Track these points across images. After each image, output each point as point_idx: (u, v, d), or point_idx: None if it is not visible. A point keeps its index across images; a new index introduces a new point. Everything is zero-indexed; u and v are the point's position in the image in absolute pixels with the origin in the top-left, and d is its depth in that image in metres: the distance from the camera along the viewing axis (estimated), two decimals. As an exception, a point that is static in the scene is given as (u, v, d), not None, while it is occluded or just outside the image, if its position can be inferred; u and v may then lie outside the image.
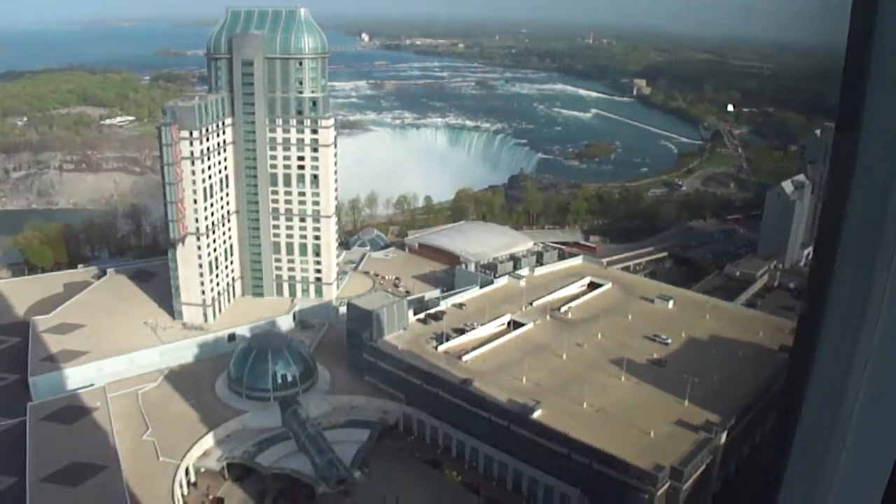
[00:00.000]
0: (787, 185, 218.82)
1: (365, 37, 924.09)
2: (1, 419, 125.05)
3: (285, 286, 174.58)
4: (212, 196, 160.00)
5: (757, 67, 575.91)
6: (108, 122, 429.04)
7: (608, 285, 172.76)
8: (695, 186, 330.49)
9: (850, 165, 6.94)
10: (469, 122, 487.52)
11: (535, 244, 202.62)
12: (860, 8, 6.69)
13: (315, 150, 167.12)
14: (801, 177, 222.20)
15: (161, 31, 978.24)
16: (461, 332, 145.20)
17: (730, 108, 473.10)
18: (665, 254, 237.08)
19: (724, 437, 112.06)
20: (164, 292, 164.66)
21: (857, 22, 6.73)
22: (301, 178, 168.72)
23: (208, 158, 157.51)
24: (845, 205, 7.07)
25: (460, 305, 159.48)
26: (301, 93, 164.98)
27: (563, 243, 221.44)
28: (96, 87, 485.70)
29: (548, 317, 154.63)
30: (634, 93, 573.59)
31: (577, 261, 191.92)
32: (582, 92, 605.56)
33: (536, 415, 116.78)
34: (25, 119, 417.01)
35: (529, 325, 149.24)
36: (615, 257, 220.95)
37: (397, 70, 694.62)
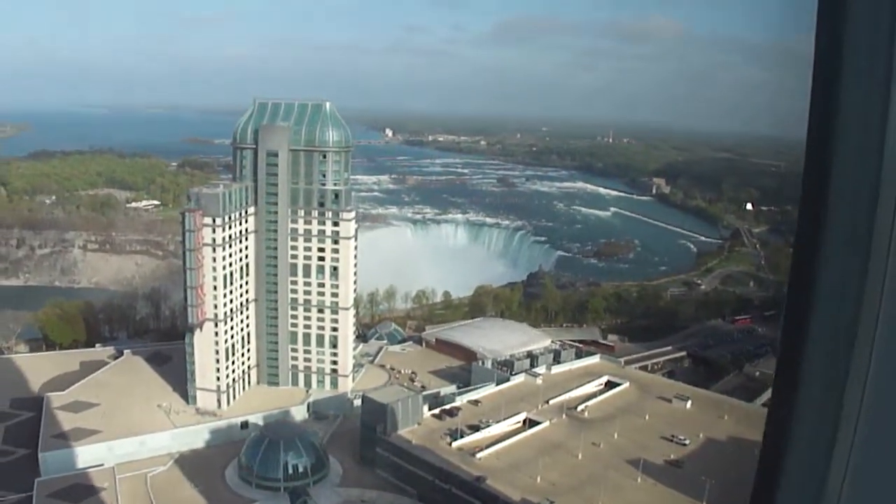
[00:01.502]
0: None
1: (389, 132, 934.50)
2: (8, 494, 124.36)
3: (301, 376, 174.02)
4: (231, 283, 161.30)
5: (774, 165, 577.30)
6: (133, 205, 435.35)
7: (625, 384, 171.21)
8: (714, 285, 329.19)
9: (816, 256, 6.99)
10: (489, 219, 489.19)
11: (552, 342, 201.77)
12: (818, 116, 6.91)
13: (336, 242, 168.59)
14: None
15: (189, 119, 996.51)
16: (476, 428, 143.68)
17: (748, 206, 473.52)
18: (683, 353, 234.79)
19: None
20: (179, 376, 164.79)
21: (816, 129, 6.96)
22: (321, 269, 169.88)
23: (230, 246, 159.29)
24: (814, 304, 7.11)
25: (476, 402, 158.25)
26: (324, 185, 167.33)
27: (580, 341, 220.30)
28: (124, 171, 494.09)
29: (564, 415, 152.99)
30: (654, 191, 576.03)
31: (594, 359, 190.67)
32: (601, 190, 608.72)
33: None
34: (54, 198, 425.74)
35: (545, 424, 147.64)
36: (633, 356, 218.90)
37: (420, 165, 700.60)
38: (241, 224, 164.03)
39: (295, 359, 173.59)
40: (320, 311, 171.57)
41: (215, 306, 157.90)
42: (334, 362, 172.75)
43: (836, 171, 6.83)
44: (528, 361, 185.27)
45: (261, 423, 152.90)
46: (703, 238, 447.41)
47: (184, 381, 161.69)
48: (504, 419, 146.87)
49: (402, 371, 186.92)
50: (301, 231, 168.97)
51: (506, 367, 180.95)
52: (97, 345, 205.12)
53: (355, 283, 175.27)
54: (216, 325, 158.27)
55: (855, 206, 6.73)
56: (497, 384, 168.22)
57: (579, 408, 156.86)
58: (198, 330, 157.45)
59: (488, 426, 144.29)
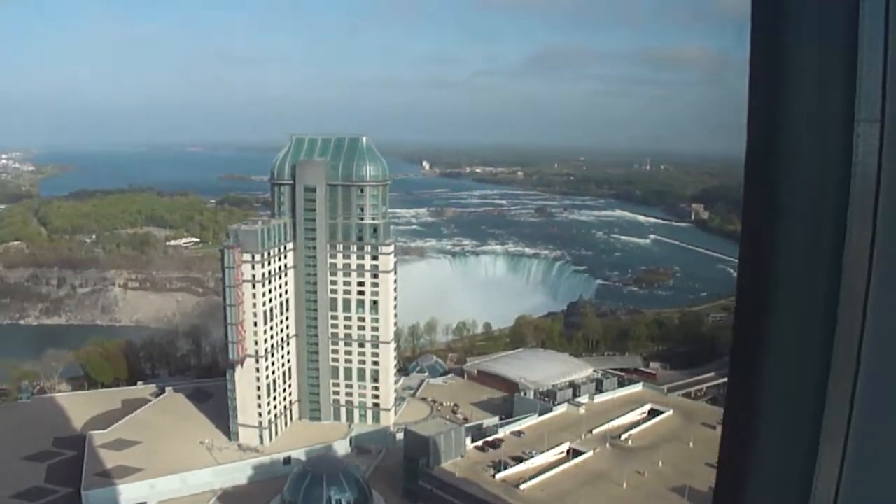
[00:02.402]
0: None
1: (426, 164, 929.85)
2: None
3: (342, 411, 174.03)
4: (272, 319, 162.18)
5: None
6: (173, 242, 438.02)
7: (669, 412, 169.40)
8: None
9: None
10: (528, 250, 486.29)
11: (594, 371, 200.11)
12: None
13: (375, 276, 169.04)
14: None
15: (227, 157, 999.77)
16: (519, 460, 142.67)
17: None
18: (726, 379, 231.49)
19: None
20: (220, 413, 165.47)
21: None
22: (361, 303, 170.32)
23: (269, 282, 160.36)
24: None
25: (519, 433, 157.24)
26: (362, 219, 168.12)
27: (622, 370, 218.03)
28: (163, 209, 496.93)
29: (608, 445, 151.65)
30: (692, 217, 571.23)
31: (637, 387, 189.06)
32: (640, 218, 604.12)
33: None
34: (94, 236, 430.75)
35: (589, 454, 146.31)
36: (675, 383, 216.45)
37: (457, 197, 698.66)
38: (280, 260, 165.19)
39: (336, 393, 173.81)
40: (361, 345, 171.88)
41: (256, 342, 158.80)
42: (376, 396, 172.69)
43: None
44: (570, 391, 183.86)
45: (303, 458, 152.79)
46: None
47: (225, 417, 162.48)
48: (547, 450, 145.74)
49: (444, 403, 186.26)
50: (340, 266, 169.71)
51: (548, 398, 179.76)
52: (139, 382, 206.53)
53: (395, 316, 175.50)
54: (257, 361, 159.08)
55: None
56: (539, 415, 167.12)
57: (623, 436, 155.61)
58: (239, 366, 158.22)
59: (532, 457, 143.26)
